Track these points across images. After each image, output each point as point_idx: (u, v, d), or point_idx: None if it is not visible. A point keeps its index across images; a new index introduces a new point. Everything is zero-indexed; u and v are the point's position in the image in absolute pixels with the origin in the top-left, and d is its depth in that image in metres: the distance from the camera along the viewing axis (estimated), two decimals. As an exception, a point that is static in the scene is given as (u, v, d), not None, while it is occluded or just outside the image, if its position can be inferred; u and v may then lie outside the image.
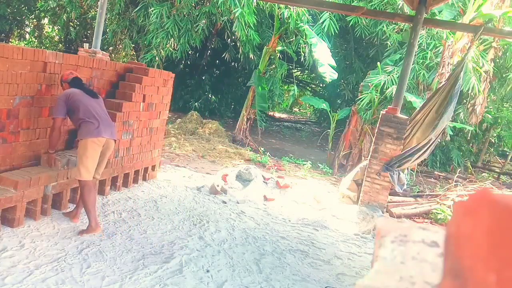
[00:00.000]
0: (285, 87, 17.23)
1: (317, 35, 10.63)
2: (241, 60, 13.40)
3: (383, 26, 10.53)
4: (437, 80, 8.73)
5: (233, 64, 15.27)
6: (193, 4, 11.11)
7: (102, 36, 7.72)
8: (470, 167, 12.19)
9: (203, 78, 14.69)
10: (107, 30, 12.34)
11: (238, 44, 12.43)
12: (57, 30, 17.83)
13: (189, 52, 12.13)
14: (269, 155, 9.84)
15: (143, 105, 5.86)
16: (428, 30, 9.47)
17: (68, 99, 4.16)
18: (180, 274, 3.72)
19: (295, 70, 17.55)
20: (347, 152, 9.81)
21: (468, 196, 0.43)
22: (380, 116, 6.62)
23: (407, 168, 7.79)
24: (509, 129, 12.48)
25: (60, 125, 4.28)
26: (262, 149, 10.37)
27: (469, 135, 11.43)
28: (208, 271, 3.89)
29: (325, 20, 10.56)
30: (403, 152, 6.42)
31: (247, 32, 10.62)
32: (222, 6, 10.34)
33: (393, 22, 10.11)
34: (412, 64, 8.02)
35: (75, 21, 15.53)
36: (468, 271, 0.37)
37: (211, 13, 11.26)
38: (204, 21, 11.22)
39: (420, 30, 6.97)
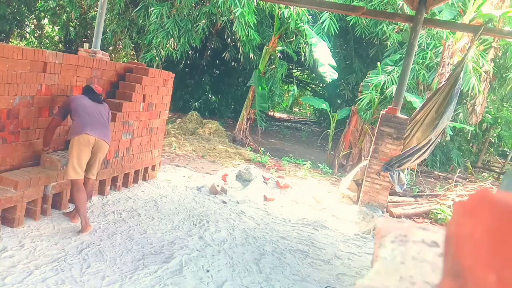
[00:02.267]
0: (285, 87, 17.23)
1: (317, 35, 10.63)
2: (241, 60, 13.39)
3: (383, 26, 10.52)
4: (437, 80, 8.73)
5: (233, 64, 15.26)
6: (193, 4, 11.11)
7: (102, 36, 7.72)
8: (470, 167, 12.19)
9: (203, 78, 14.68)
10: (107, 30, 12.34)
11: (238, 44, 12.43)
12: (57, 30, 17.83)
13: (189, 52, 12.13)
14: (269, 155, 9.84)
15: (143, 105, 5.86)
16: (428, 30, 9.47)
17: (70, 102, 4.29)
18: (180, 274, 3.72)
19: (295, 70, 17.55)
20: (347, 152, 9.81)
21: (468, 196, 0.43)
22: (380, 116, 6.62)
23: (407, 168, 7.79)
24: (509, 129, 12.49)
25: (54, 125, 4.38)
26: (262, 149, 10.37)
27: (469, 135, 11.44)
28: (208, 271, 3.89)
29: (325, 20, 10.56)
30: (403, 152, 6.42)
31: (247, 32, 10.62)
32: (222, 6, 10.34)
33: (393, 22, 10.11)
34: (412, 64, 8.02)
35: (75, 21, 15.53)
36: (468, 271, 0.37)
37: (211, 13, 11.26)
38: (204, 21, 11.22)
39: (420, 30, 6.96)
